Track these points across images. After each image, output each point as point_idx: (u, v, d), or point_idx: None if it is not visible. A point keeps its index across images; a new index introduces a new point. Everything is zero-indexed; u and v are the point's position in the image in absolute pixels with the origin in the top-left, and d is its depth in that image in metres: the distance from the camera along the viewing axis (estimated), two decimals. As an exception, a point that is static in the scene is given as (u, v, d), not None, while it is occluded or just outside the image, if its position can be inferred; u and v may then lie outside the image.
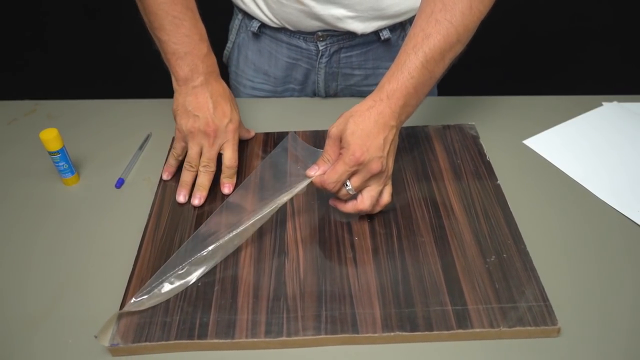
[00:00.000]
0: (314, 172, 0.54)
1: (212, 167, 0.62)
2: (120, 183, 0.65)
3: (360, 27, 0.71)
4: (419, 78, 0.53)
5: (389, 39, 0.74)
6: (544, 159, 0.67)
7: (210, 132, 0.60)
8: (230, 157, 0.62)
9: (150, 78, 1.32)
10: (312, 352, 0.47)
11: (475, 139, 0.68)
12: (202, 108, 0.61)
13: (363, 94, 0.80)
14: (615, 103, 0.75)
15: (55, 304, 0.51)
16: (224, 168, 0.62)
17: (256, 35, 0.77)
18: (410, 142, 0.68)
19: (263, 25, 0.76)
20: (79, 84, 1.37)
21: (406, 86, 0.53)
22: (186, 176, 0.62)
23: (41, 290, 0.53)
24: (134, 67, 1.41)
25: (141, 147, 0.70)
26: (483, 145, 0.67)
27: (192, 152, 0.62)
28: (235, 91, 0.85)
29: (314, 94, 0.82)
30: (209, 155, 0.62)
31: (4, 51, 1.43)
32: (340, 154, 0.53)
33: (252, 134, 0.70)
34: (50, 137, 0.61)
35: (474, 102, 0.77)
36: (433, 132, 0.69)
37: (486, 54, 1.37)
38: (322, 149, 0.56)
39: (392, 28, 0.73)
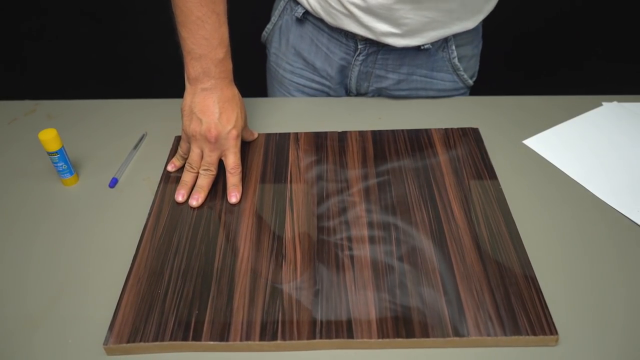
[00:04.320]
0: None
1: (213, 171, 0.62)
2: (113, 183, 0.65)
3: (401, 42, 0.71)
4: None
5: (429, 50, 0.74)
6: (544, 158, 0.67)
7: (211, 138, 0.61)
8: (231, 163, 0.62)
9: (152, 78, 1.33)
10: (307, 355, 0.47)
11: (478, 143, 0.68)
12: (207, 112, 0.61)
13: (393, 98, 0.80)
14: (615, 103, 0.75)
15: (55, 304, 0.52)
16: (227, 175, 0.62)
17: (300, 20, 0.77)
18: (413, 145, 0.67)
19: (307, 12, 0.76)
20: (80, 84, 1.37)
21: None
22: (187, 177, 0.63)
23: (40, 290, 0.53)
24: (135, 68, 1.42)
25: (136, 147, 0.70)
26: (487, 149, 0.67)
27: (194, 154, 0.63)
28: (274, 73, 0.85)
29: (346, 91, 0.82)
30: (210, 159, 0.62)
31: (3, 51, 1.44)
32: None
33: (255, 135, 0.70)
34: (49, 138, 0.61)
35: (475, 102, 0.77)
36: (436, 136, 0.69)
37: (486, 54, 1.36)
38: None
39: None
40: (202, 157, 0.62)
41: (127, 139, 0.72)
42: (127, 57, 1.40)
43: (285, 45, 0.81)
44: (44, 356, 0.47)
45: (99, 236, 0.58)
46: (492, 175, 0.63)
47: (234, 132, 0.62)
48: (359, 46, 0.75)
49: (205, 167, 0.62)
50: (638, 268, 0.53)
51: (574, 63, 1.44)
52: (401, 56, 0.76)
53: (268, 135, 0.70)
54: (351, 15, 0.69)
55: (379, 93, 0.81)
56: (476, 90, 0.78)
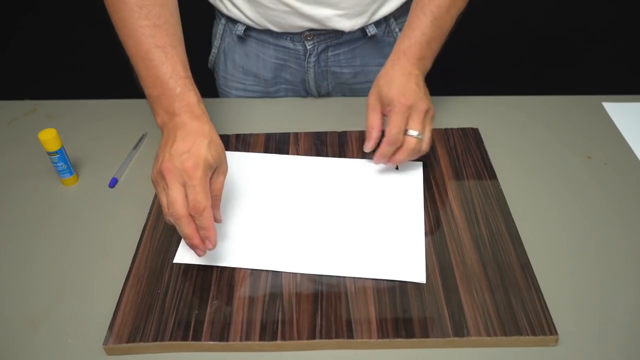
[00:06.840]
0: (372, 145, 0.60)
1: (178, 211, 0.48)
2: (113, 182, 0.65)
3: (348, 24, 0.71)
4: (431, 34, 0.60)
5: (375, 35, 0.74)
6: (544, 158, 0.66)
7: (164, 170, 0.48)
8: (190, 200, 0.48)
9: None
10: (307, 355, 0.47)
11: (478, 143, 0.68)
12: (164, 146, 0.50)
13: (355, 92, 0.81)
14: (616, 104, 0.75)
15: (55, 304, 0.52)
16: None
17: (242, 38, 0.77)
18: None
19: (248, 28, 0.76)
20: (80, 84, 1.37)
21: (419, 42, 0.60)
22: (178, 229, 0.49)
23: (40, 291, 0.53)
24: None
25: (135, 147, 0.70)
26: (486, 149, 0.67)
27: (161, 202, 0.50)
28: (225, 95, 0.85)
29: (307, 94, 0.82)
30: (170, 199, 0.48)
31: (3, 50, 1.44)
32: (389, 110, 0.58)
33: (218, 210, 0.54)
34: (49, 138, 0.61)
35: (475, 102, 0.77)
36: (436, 136, 0.69)
37: (486, 54, 1.36)
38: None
39: (377, 24, 0.74)
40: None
41: (127, 139, 0.72)
42: (127, 57, 1.40)
43: (233, 66, 0.81)
44: (44, 356, 0.47)
45: (99, 236, 0.58)
46: (492, 175, 0.63)
47: (190, 162, 0.48)
48: (308, 47, 0.75)
49: (166, 212, 0.49)
50: (638, 268, 0.53)
51: (573, 63, 1.44)
52: (351, 48, 0.76)
53: (268, 135, 0.70)
54: (292, 10, 0.69)
55: (342, 91, 0.81)
56: (476, 90, 0.78)
